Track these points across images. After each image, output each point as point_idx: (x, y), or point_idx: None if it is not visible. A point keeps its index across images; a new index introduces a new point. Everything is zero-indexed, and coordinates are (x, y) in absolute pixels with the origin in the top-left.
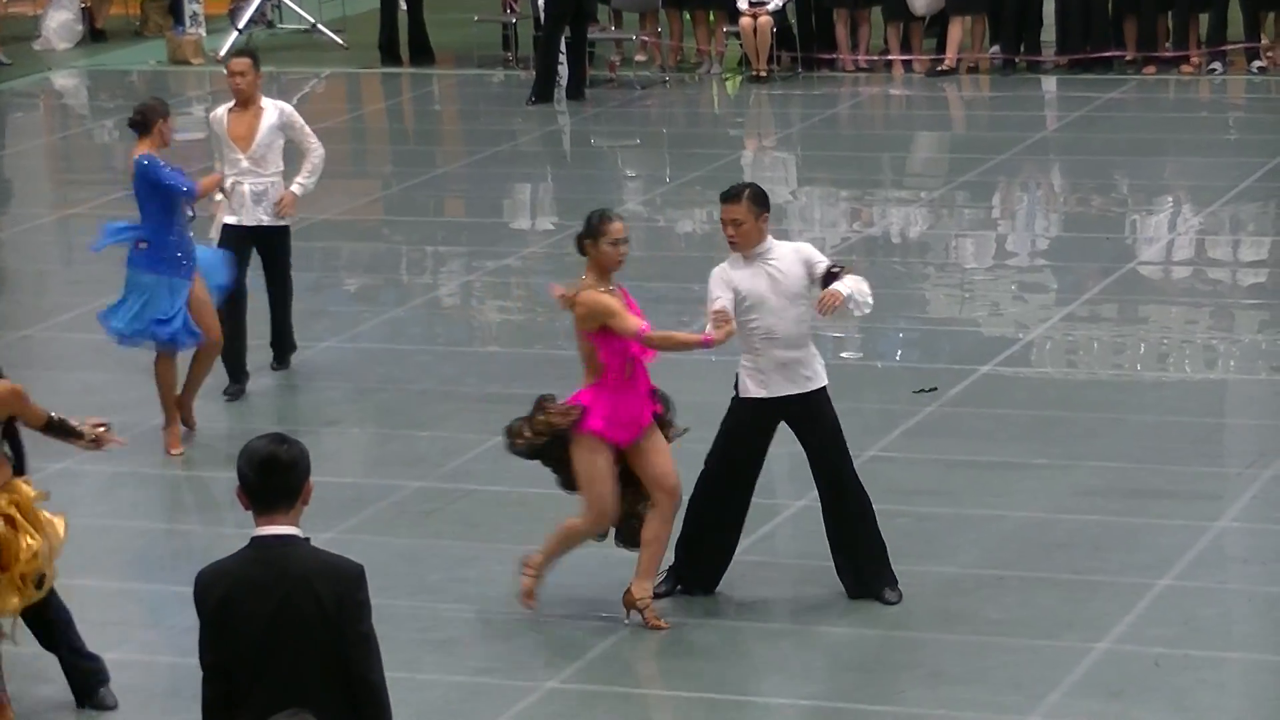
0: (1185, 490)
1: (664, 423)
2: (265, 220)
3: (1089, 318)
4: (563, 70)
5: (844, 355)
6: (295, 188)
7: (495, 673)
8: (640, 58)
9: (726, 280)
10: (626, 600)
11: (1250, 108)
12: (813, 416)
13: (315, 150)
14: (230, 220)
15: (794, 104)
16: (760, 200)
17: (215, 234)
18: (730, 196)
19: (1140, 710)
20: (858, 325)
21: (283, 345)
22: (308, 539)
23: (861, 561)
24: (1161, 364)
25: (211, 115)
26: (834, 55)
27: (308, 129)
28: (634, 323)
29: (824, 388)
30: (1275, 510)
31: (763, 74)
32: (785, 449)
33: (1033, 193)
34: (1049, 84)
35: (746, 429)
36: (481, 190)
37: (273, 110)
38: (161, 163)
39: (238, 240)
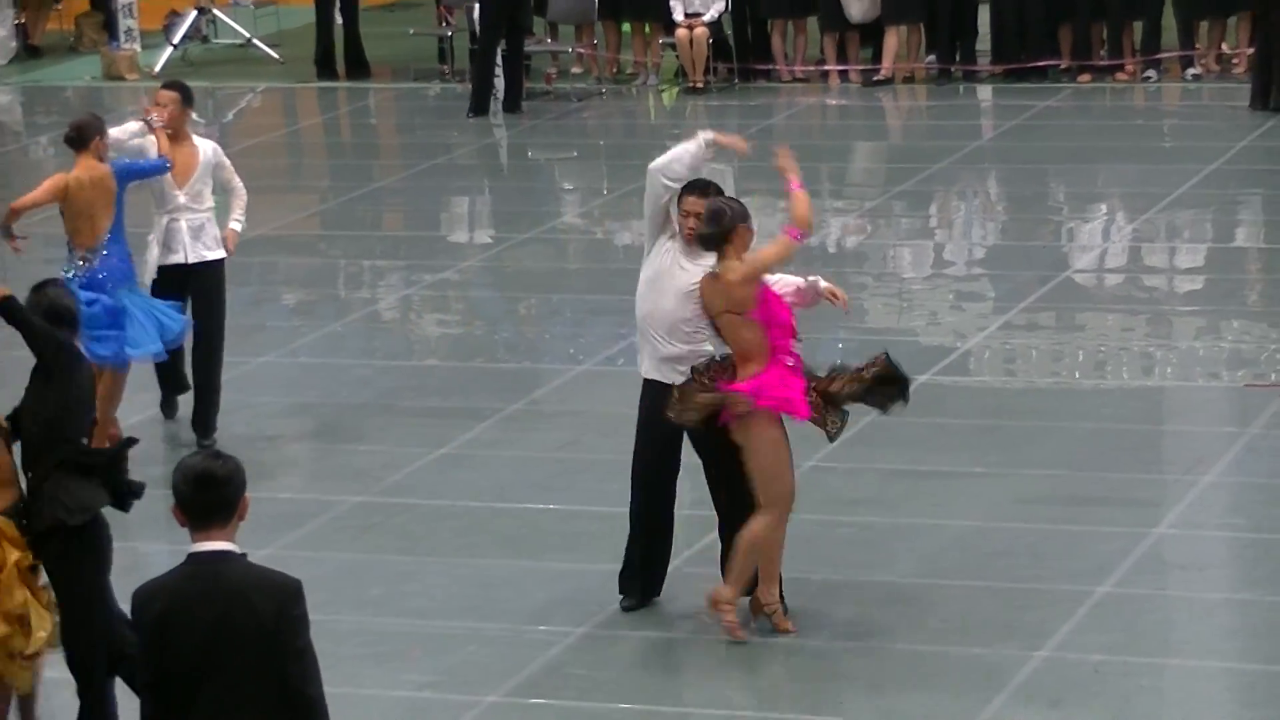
0: (1123, 497)
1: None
2: (206, 254)
3: (1026, 326)
4: (499, 83)
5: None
6: (235, 225)
7: (437, 687)
8: (577, 70)
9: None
10: (753, 607)
11: (1185, 115)
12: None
13: (241, 189)
14: (173, 260)
15: (731, 115)
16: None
17: (148, 278)
18: (700, 189)
19: (1080, 717)
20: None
21: (207, 413)
22: (245, 555)
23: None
24: (1099, 371)
25: (132, 141)
26: (770, 66)
27: (231, 169)
28: (781, 239)
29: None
30: (1213, 516)
31: (699, 85)
32: None
33: (969, 201)
34: (984, 93)
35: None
36: (419, 204)
37: (207, 148)
38: (125, 158)
39: (179, 281)
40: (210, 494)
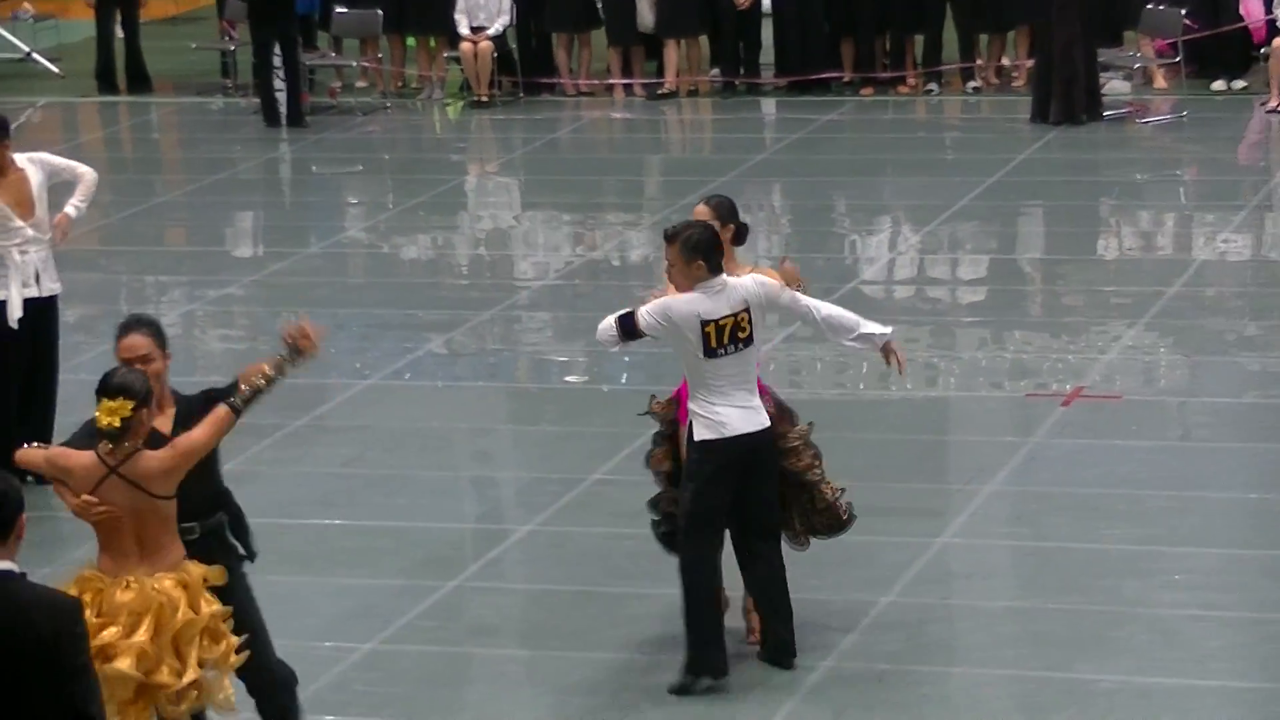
0: (907, 507)
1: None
2: (53, 288)
3: (811, 337)
4: (283, 96)
5: (569, 379)
6: (71, 210)
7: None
8: (362, 84)
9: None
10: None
11: (966, 127)
12: None
13: (88, 172)
14: (13, 296)
15: (516, 128)
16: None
17: (14, 316)
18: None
19: None
20: (582, 349)
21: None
22: (24, 574)
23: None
24: (883, 382)
25: None
26: (555, 79)
27: (67, 161)
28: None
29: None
30: (995, 525)
31: (484, 99)
32: (513, 474)
33: (754, 214)
34: (769, 105)
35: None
36: (202, 219)
37: (33, 168)
38: None
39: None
40: None
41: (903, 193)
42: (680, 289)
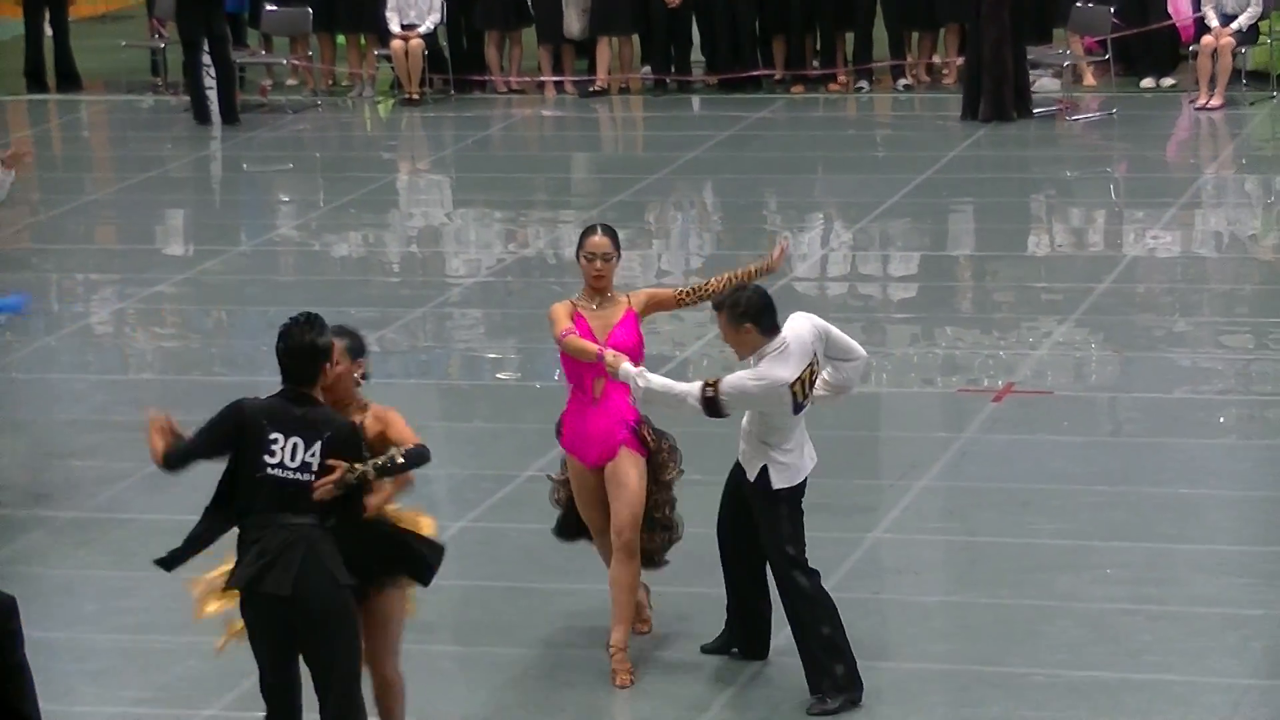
0: (840, 503)
1: (654, 460)
2: None
3: None
4: (213, 94)
5: (501, 376)
6: None
7: (153, 703)
8: (292, 81)
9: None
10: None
11: (897, 125)
12: None
13: None
14: None
15: (447, 126)
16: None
17: None
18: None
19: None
20: (514, 345)
21: None
22: None
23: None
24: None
25: None
26: (486, 77)
27: None
28: (560, 331)
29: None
30: (927, 520)
31: (415, 96)
32: (446, 470)
33: (686, 212)
34: (699, 103)
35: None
36: (132, 217)
37: None
38: None
39: None
40: None
41: (834, 190)
42: (739, 355)
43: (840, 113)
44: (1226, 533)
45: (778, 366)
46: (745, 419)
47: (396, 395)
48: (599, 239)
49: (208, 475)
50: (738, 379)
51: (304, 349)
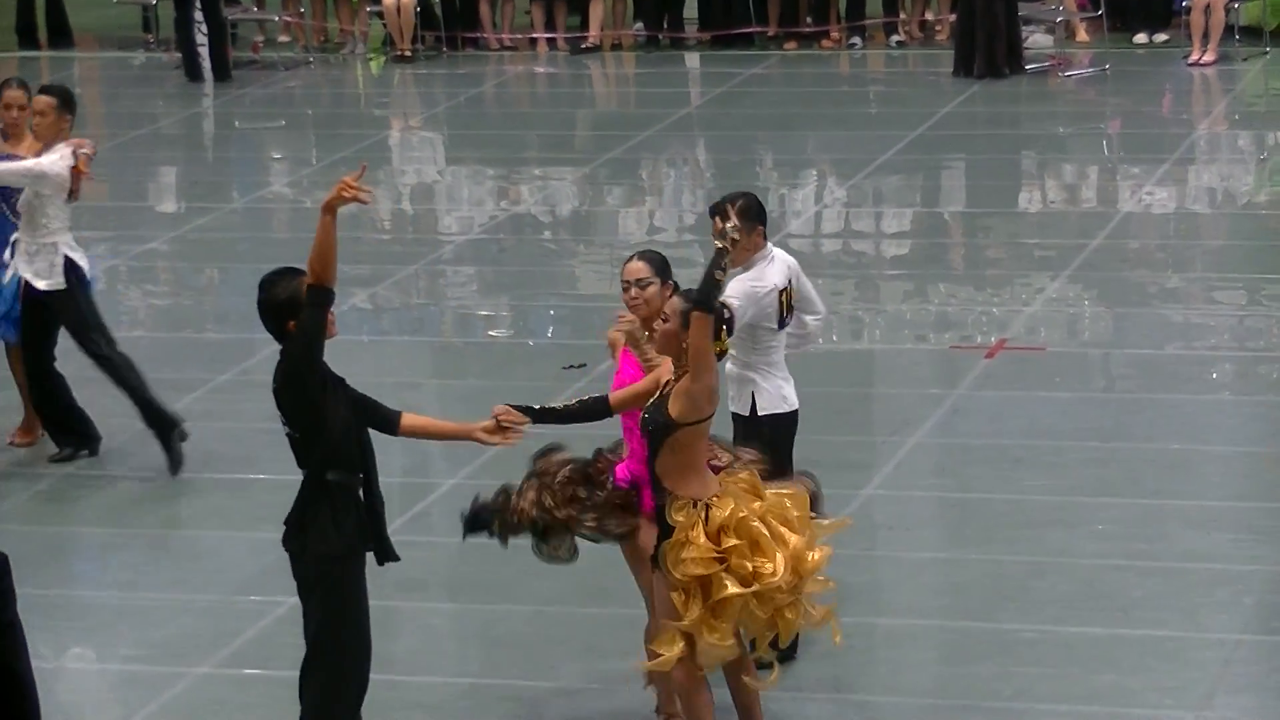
0: (832, 460)
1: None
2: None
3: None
4: (205, 51)
5: (493, 333)
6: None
7: (146, 659)
8: (284, 38)
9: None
10: None
11: (890, 81)
12: None
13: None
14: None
15: (439, 83)
16: (751, 214)
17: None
18: (717, 212)
19: (791, 678)
20: (507, 302)
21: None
22: None
23: None
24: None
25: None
26: (478, 34)
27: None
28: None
29: None
30: (919, 477)
31: (407, 53)
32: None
33: (679, 169)
34: (692, 60)
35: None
36: (125, 174)
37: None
38: None
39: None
40: None
41: (827, 147)
42: (737, 262)
43: (833, 69)
44: (1218, 488)
45: (770, 272)
46: (729, 366)
47: (389, 352)
48: (633, 264)
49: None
50: (738, 284)
51: (261, 305)
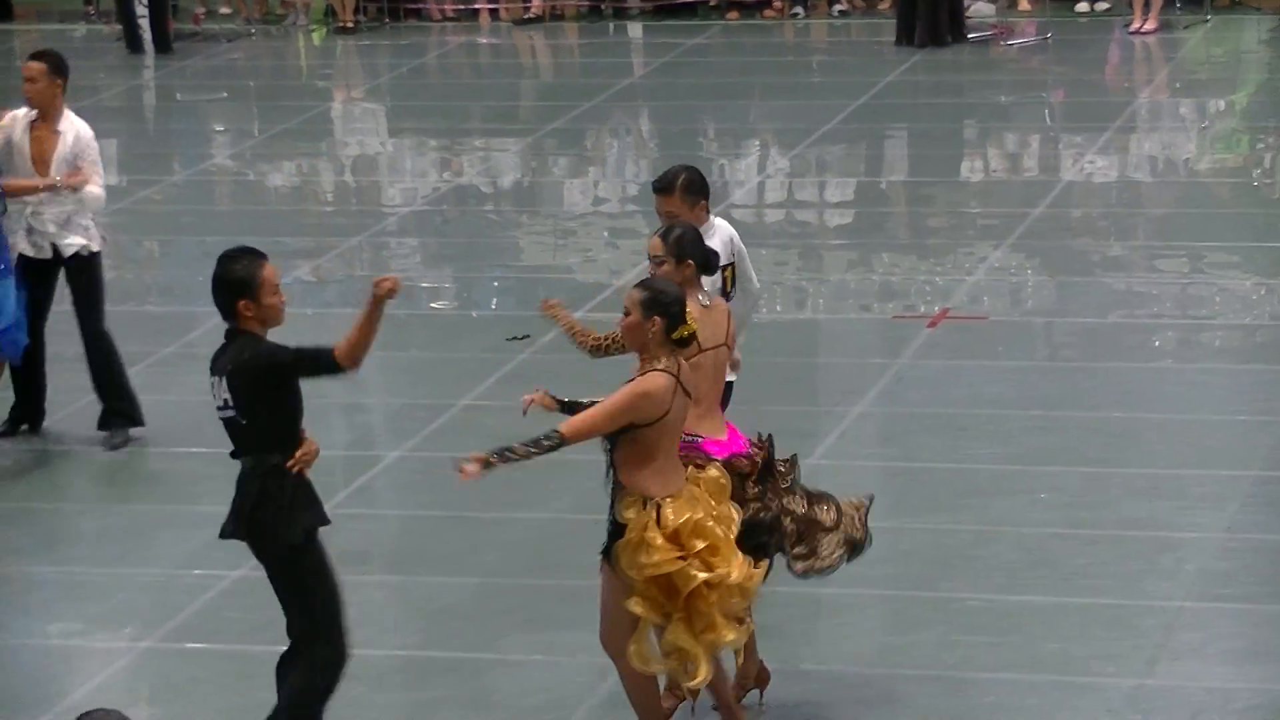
0: (777, 428)
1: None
2: (78, 245)
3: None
4: (146, 22)
5: (436, 305)
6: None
7: (88, 634)
8: (225, 10)
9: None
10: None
11: (832, 51)
12: None
13: (93, 193)
14: (41, 256)
15: (381, 54)
16: (695, 188)
17: None
18: (662, 188)
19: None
20: (450, 274)
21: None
22: None
23: None
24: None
25: (10, 115)
26: (421, 4)
27: (98, 165)
28: None
29: None
30: (863, 446)
31: (349, 25)
32: (383, 400)
33: (622, 139)
34: (635, 30)
35: None
36: None
37: (69, 134)
38: None
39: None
40: None
41: (769, 116)
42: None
43: (776, 38)
44: (1160, 456)
45: (714, 243)
46: None
47: (333, 324)
48: (653, 240)
49: (147, 406)
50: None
51: (215, 280)
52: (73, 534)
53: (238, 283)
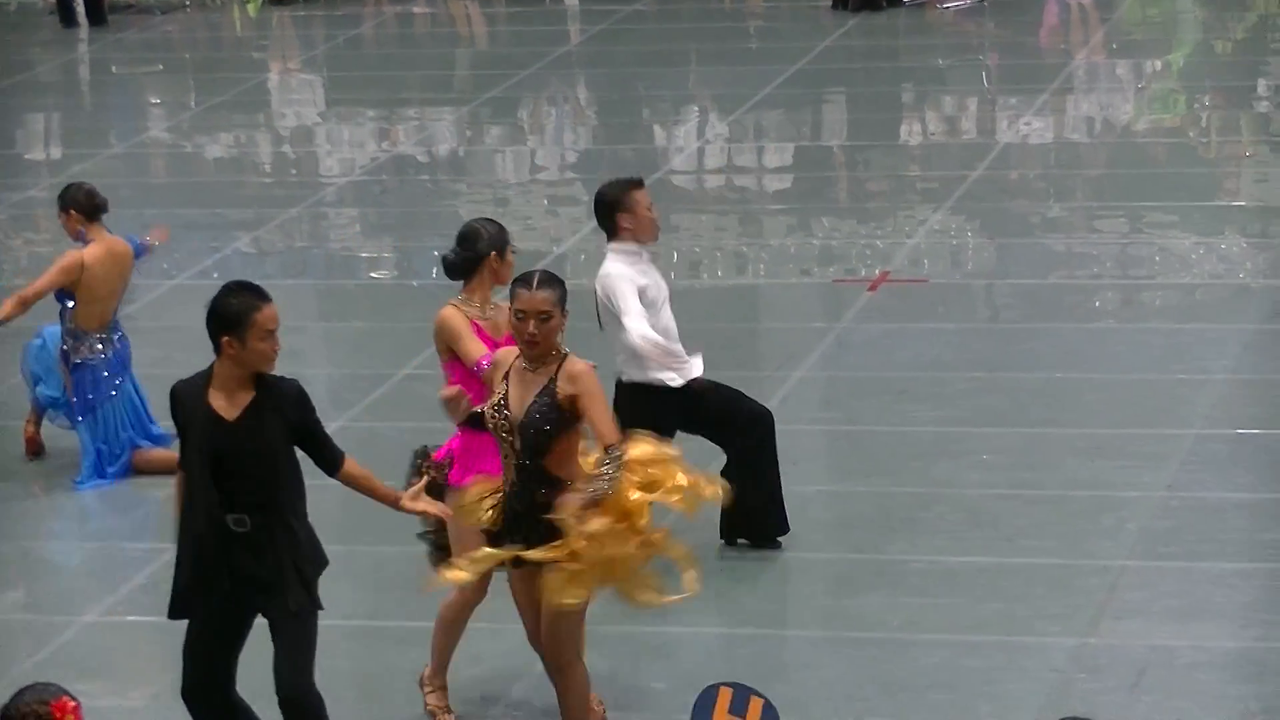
0: None
1: None
2: None
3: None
4: None
5: (374, 275)
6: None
7: (31, 608)
8: None
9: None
10: None
11: (769, 16)
12: None
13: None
14: None
15: (317, 25)
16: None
17: None
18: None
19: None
20: (390, 244)
21: None
22: None
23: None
24: (694, 271)
25: None
26: None
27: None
28: (476, 350)
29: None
30: (805, 410)
31: None
32: (324, 370)
33: (560, 107)
34: None
35: None
36: (1, 122)
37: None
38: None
39: None
40: None
41: (707, 82)
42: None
43: (712, 4)
44: (1101, 416)
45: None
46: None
47: (273, 295)
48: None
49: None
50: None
51: (211, 310)
52: (12, 510)
53: (227, 317)
